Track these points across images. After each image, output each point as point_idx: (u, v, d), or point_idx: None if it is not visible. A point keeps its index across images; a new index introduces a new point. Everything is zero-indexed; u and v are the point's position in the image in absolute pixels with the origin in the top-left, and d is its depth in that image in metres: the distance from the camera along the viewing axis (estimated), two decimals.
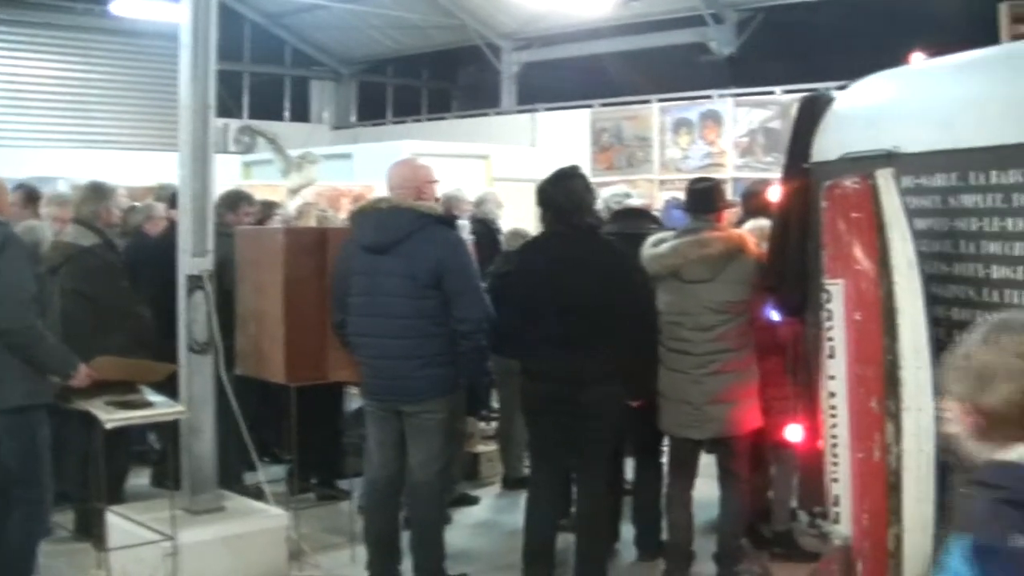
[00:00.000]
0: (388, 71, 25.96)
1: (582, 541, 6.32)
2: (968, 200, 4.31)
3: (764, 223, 6.43)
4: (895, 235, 4.25)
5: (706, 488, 6.65)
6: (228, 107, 20.67)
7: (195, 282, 6.46)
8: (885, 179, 4.31)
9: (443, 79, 26.51)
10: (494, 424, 8.92)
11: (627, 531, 7.04)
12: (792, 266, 5.42)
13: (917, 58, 5.28)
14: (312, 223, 8.54)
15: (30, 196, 8.31)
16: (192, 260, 6.47)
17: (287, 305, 6.53)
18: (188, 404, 6.40)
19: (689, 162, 16.02)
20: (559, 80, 20.85)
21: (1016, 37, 7.59)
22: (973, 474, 2.37)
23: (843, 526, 4.36)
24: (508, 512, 7.80)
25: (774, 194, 6.06)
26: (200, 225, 6.48)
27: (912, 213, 4.34)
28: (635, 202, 7.46)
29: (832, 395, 4.38)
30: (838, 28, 16.19)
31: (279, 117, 24.14)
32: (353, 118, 25.56)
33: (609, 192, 7.62)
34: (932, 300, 4.29)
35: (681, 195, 7.42)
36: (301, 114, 25.19)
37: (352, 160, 16.36)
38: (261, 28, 23.43)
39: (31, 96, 19.28)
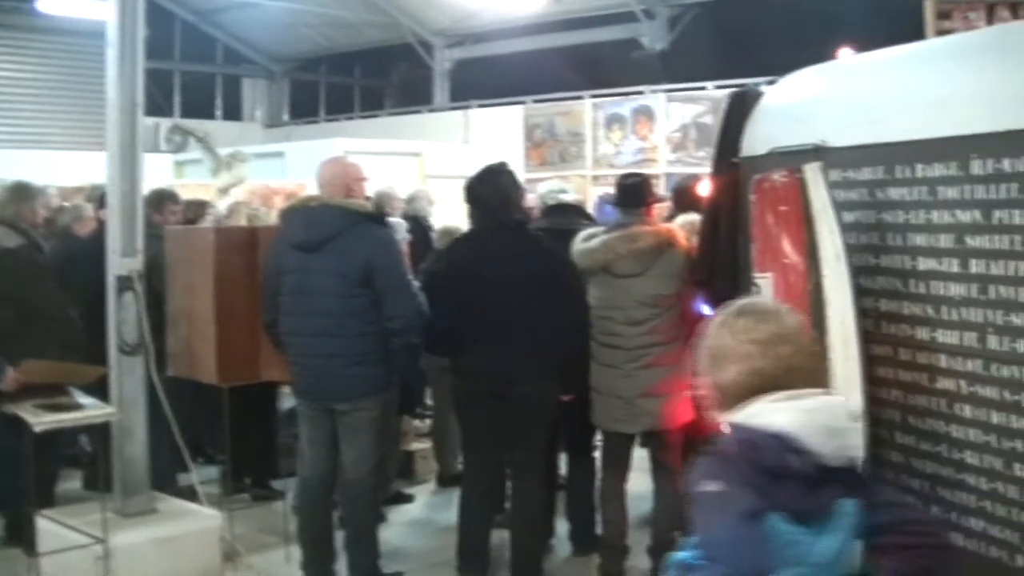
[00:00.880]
0: (321, 69, 25.80)
1: (517, 537, 6.34)
2: (895, 193, 4.37)
3: (694, 218, 6.47)
4: (823, 228, 4.29)
5: (640, 482, 6.69)
6: (159, 106, 20.42)
7: (125, 282, 6.38)
8: (813, 173, 4.35)
9: (376, 77, 26.37)
10: (428, 422, 8.90)
11: (562, 526, 7.07)
12: (722, 260, 5.46)
13: (845, 53, 5.35)
14: (243, 222, 8.46)
15: None
16: (121, 260, 6.39)
17: (218, 305, 6.50)
18: (119, 406, 6.34)
19: (622, 157, 16.03)
20: (492, 77, 20.81)
21: (941, 32, 7.69)
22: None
23: None
24: (443, 509, 7.78)
25: (704, 189, 6.10)
26: (129, 225, 6.40)
27: (840, 206, 4.39)
28: (568, 197, 7.47)
29: None
30: (768, 24, 16.28)
31: (211, 115, 23.85)
32: (286, 116, 25.35)
33: (545, 187, 7.61)
34: (860, 292, 4.33)
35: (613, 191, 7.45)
36: (233, 112, 24.93)
37: (285, 158, 16.26)
38: (192, 26, 23.15)
39: None
